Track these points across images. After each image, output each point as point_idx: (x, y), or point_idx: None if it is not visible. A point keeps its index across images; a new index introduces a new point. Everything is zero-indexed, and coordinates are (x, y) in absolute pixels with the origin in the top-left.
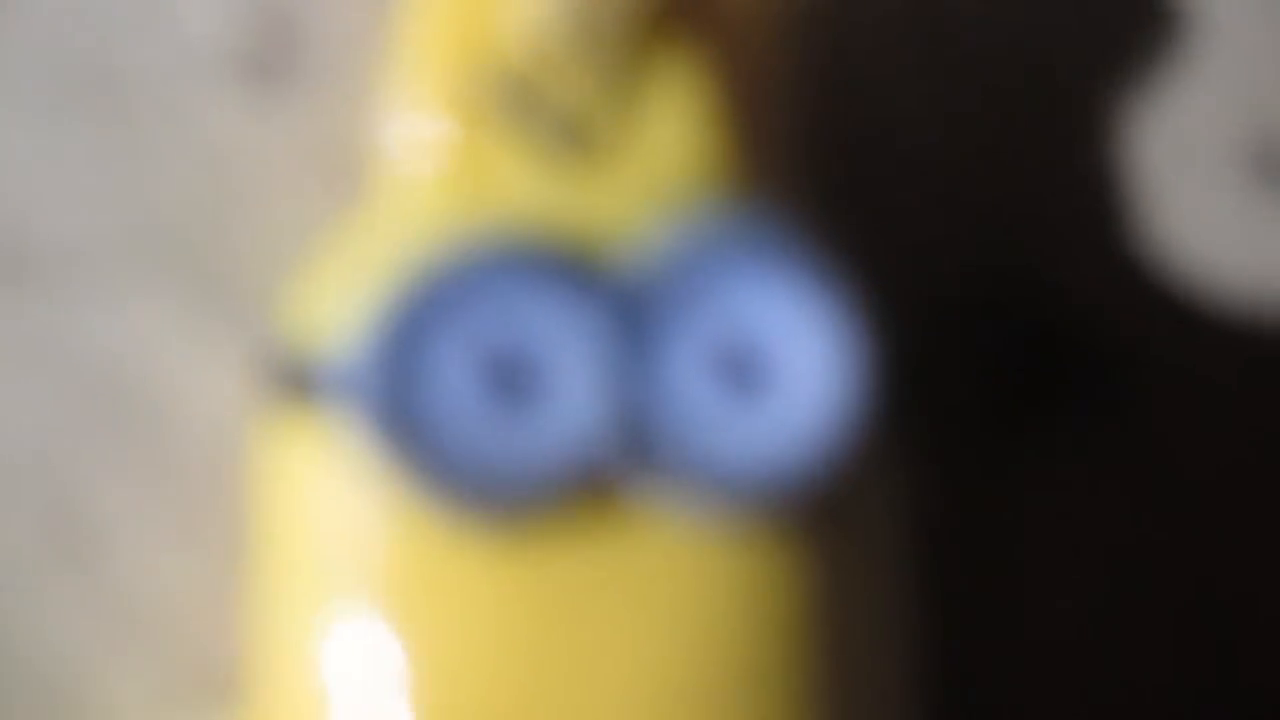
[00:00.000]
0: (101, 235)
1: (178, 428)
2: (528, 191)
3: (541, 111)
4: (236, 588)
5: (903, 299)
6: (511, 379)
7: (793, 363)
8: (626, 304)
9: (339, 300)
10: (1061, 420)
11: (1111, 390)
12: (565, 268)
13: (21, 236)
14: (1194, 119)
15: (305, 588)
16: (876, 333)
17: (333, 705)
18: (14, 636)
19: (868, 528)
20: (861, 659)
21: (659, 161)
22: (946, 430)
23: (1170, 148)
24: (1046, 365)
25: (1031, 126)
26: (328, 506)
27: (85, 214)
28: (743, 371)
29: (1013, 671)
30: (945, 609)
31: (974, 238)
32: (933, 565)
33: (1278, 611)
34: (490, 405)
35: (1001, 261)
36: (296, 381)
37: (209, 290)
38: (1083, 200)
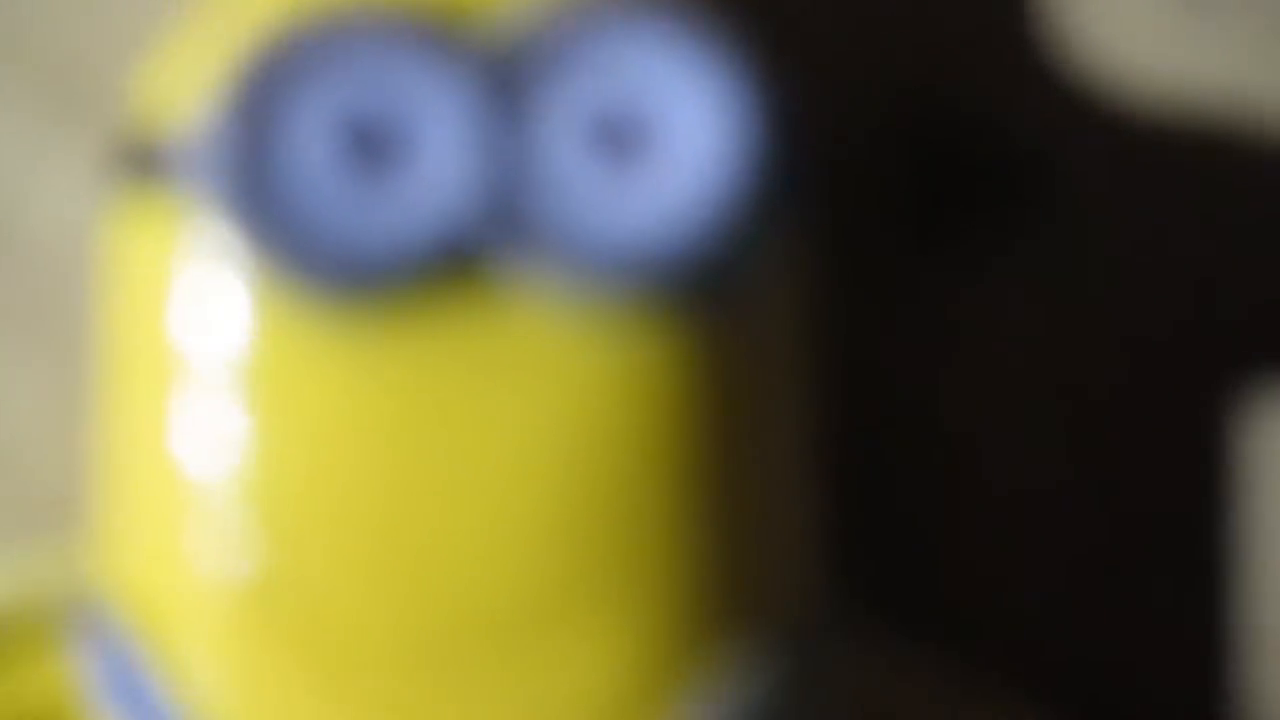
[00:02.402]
0: None
1: (16, 235)
2: None
3: None
4: (77, 402)
5: (802, 75)
6: (372, 149)
7: (675, 129)
8: (497, 66)
9: (191, 75)
10: (972, 228)
11: (1024, 200)
12: (430, 29)
13: None
14: None
15: (156, 382)
16: (770, 101)
17: (185, 508)
18: None
19: (759, 320)
20: (759, 450)
21: None
22: (851, 230)
23: None
24: (958, 170)
25: None
26: (180, 293)
27: None
28: (621, 139)
29: (916, 477)
30: (846, 418)
31: (887, 33)
32: (832, 368)
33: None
34: (350, 177)
35: (916, 57)
36: (146, 164)
37: (51, 87)
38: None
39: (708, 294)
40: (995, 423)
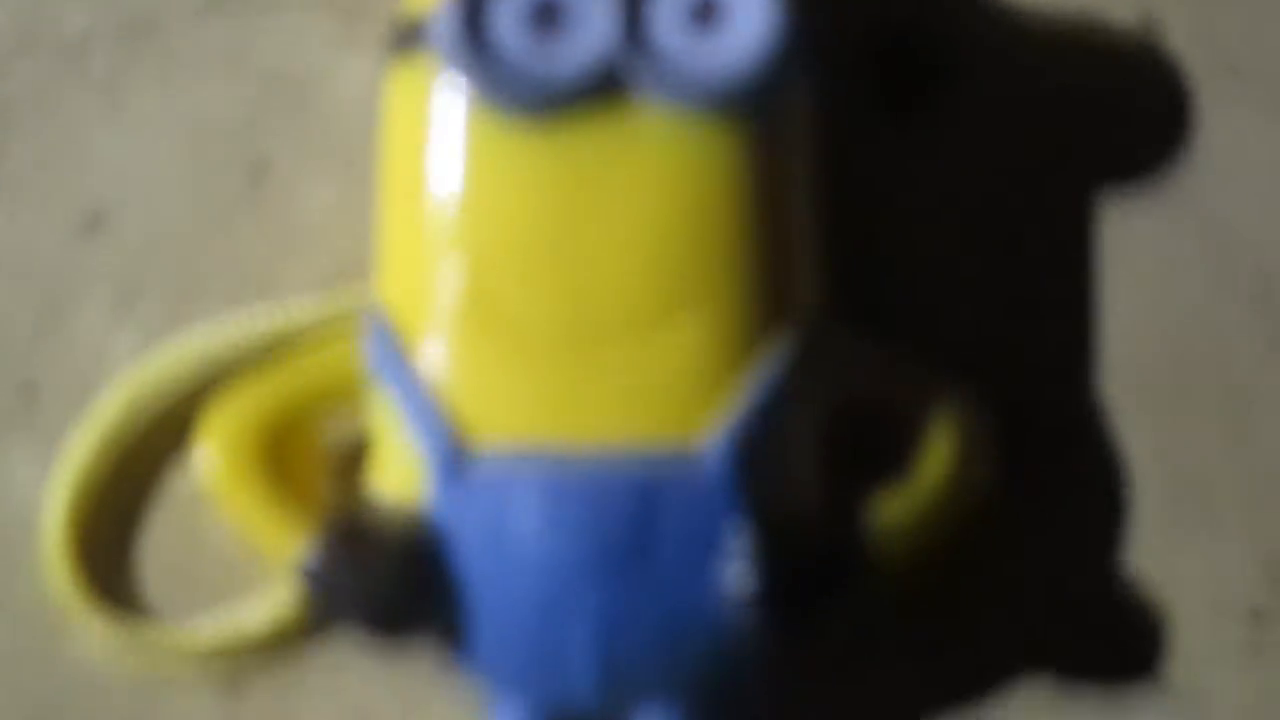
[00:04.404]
0: None
1: (330, 98)
2: None
3: None
4: (363, 200)
5: None
6: (549, 18)
7: (739, 10)
8: None
9: None
10: (919, 94)
11: (956, 73)
12: None
13: None
14: None
15: (415, 177)
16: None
17: (430, 252)
18: (208, 246)
19: (793, 132)
20: (789, 218)
21: None
22: (841, 87)
23: None
24: (914, 56)
25: None
26: (430, 118)
27: None
28: (707, 15)
29: (877, 237)
30: (840, 198)
31: None
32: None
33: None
34: (534, 36)
35: None
36: (411, 40)
37: (350, 10)
38: None
39: (758, 110)
40: (924, 211)
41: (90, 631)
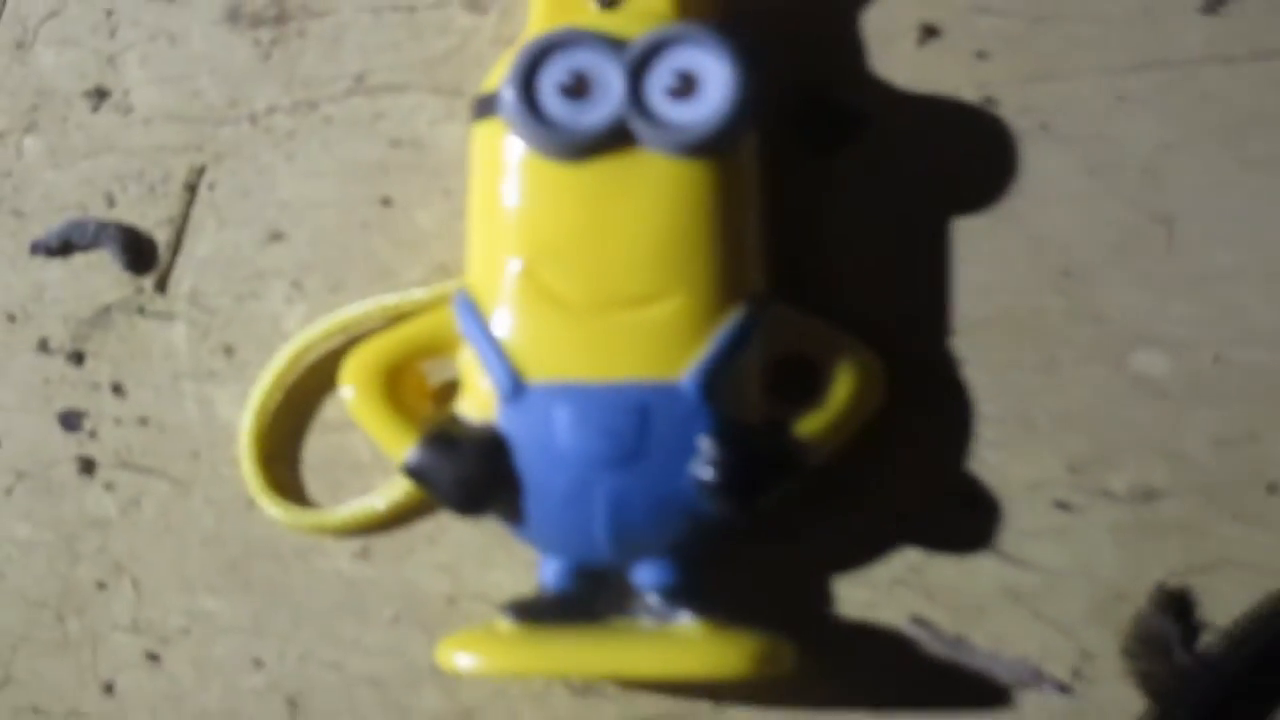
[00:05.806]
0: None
1: (435, 151)
2: (592, 19)
3: None
4: (460, 224)
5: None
6: (578, 88)
7: (711, 81)
8: (635, 56)
9: (505, 62)
10: (834, 140)
11: (859, 126)
12: (607, 37)
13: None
14: None
15: (491, 199)
16: (752, 71)
17: (499, 245)
18: (351, 253)
19: (746, 167)
20: (744, 228)
21: (652, 8)
22: (780, 134)
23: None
24: (830, 115)
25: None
26: (501, 163)
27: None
28: (687, 85)
29: (821, 251)
30: (778, 211)
31: (793, 45)
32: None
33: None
34: (568, 101)
35: (804, 58)
36: (485, 108)
37: (445, 78)
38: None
39: (723, 152)
40: (835, 221)
41: (269, 510)
